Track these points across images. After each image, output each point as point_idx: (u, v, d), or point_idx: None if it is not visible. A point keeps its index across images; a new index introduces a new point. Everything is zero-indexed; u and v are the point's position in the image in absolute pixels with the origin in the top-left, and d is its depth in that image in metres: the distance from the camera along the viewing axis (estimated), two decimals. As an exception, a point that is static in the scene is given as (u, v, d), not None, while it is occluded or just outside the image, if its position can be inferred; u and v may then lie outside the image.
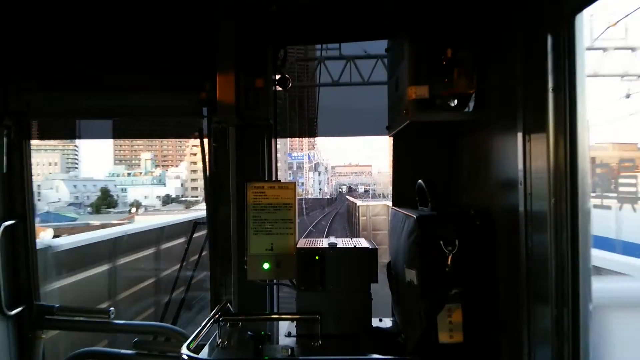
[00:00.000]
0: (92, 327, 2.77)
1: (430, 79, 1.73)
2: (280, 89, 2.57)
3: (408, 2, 1.98)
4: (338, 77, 11.92)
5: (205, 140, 2.53)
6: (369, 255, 1.99)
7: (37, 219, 3.00)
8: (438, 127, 2.00)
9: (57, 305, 2.65)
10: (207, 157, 2.52)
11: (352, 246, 2.02)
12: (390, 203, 2.75)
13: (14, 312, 2.51)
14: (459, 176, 2.20)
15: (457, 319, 1.64)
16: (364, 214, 17.63)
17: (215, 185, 2.50)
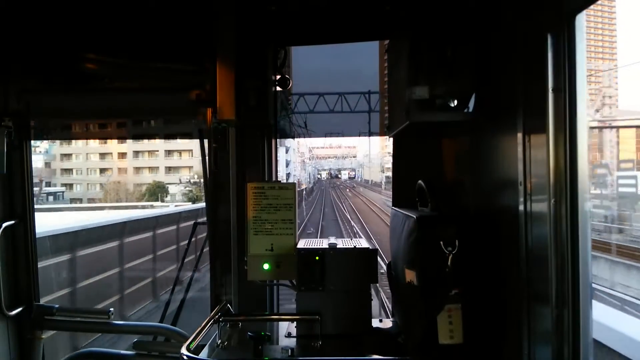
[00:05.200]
0: (92, 328, 2.78)
1: (430, 79, 1.73)
2: (280, 89, 2.57)
3: (408, 2, 1.98)
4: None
5: (205, 141, 2.53)
6: (369, 255, 1.98)
7: None
8: (438, 127, 2.00)
9: (57, 305, 2.65)
10: (207, 157, 2.52)
11: (352, 246, 2.02)
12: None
13: (13, 312, 2.50)
14: (459, 176, 2.20)
15: (457, 320, 1.63)
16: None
17: (215, 185, 2.50)
